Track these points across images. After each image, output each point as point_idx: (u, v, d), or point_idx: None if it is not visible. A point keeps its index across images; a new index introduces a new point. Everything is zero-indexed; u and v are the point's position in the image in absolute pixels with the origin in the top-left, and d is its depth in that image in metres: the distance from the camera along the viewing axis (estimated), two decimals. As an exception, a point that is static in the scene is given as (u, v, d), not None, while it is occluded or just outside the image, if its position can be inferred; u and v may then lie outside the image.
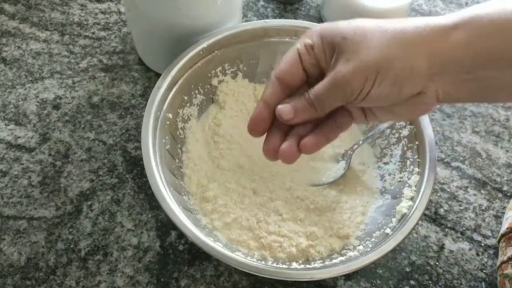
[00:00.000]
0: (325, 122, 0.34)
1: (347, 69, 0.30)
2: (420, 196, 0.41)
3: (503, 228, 0.44)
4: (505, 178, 0.51)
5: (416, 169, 0.43)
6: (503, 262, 0.41)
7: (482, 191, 0.50)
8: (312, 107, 0.32)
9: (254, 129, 0.34)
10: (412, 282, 0.44)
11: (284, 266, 0.39)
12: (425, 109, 0.33)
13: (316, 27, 0.33)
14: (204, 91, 0.50)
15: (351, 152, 0.48)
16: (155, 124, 0.43)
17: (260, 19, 0.61)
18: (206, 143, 0.49)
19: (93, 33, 0.60)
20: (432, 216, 0.48)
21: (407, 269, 0.45)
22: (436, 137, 0.54)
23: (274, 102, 0.33)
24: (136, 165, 0.49)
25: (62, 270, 0.42)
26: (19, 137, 0.50)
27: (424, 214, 0.47)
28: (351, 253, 0.40)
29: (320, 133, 0.33)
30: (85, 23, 0.61)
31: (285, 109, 0.32)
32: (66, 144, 0.50)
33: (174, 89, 0.46)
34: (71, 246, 0.44)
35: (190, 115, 0.49)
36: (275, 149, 0.33)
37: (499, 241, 0.44)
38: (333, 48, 0.31)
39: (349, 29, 0.31)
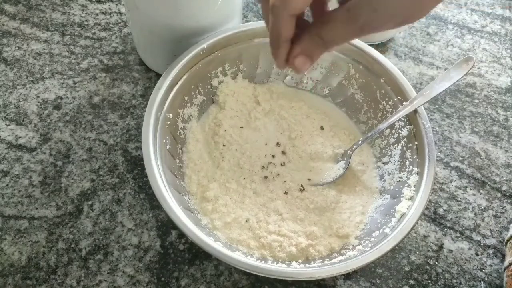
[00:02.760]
0: None
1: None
2: (419, 196, 0.41)
3: None
4: (504, 178, 0.51)
5: (416, 169, 0.43)
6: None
7: (481, 191, 0.50)
8: (324, 48, 0.32)
9: (282, 65, 0.35)
10: (411, 281, 0.44)
11: (284, 266, 0.39)
12: None
13: None
14: (205, 91, 0.51)
15: (351, 152, 0.48)
16: (156, 124, 0.43)
17: (260, 20, 0.61)
18: (206, 143, 0.49)
19: (94, 33, 0.60)
20: (432, 216, 0.48)
21: (407, 269, 0.45)
22: (435, 137, 0.54)
23: (290, 36, 0.33)
24: (136, 165, 0.49)
25: (62, 270, 0.43)
26: (20, 137, 0.50)
27: (423, 214, 0.47)
28: (350, 253, 0.40)
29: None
30: (86, 23, 0.61)
31: (303, 64, 0.33)
32: (67, 144, 0.50)
33: (174, 90, 0.46)
34: (72, 245, 0.44)
35: (191, 115, 0.50)
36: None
37: (507, 241, 0.44)
38: None
39: None
